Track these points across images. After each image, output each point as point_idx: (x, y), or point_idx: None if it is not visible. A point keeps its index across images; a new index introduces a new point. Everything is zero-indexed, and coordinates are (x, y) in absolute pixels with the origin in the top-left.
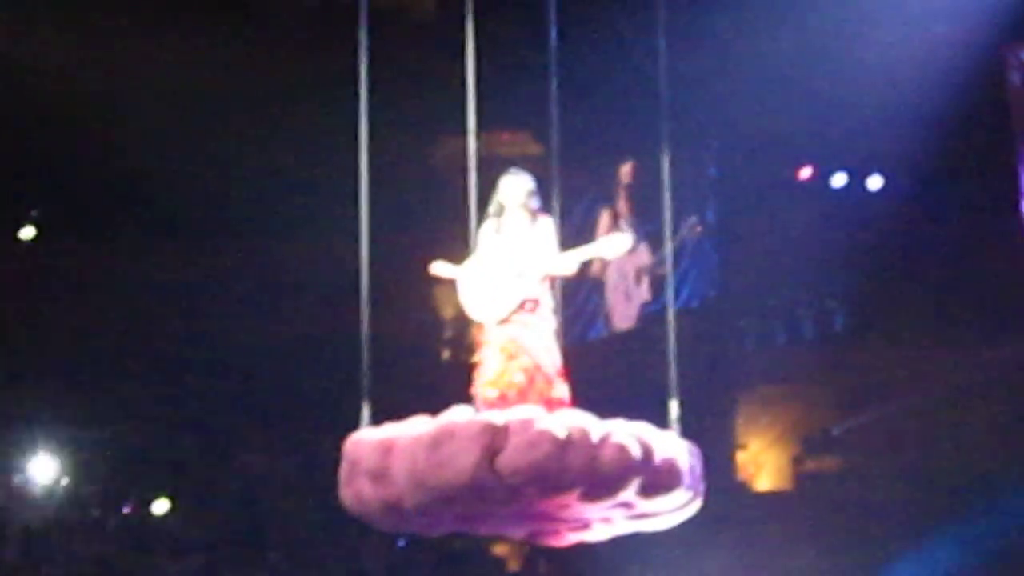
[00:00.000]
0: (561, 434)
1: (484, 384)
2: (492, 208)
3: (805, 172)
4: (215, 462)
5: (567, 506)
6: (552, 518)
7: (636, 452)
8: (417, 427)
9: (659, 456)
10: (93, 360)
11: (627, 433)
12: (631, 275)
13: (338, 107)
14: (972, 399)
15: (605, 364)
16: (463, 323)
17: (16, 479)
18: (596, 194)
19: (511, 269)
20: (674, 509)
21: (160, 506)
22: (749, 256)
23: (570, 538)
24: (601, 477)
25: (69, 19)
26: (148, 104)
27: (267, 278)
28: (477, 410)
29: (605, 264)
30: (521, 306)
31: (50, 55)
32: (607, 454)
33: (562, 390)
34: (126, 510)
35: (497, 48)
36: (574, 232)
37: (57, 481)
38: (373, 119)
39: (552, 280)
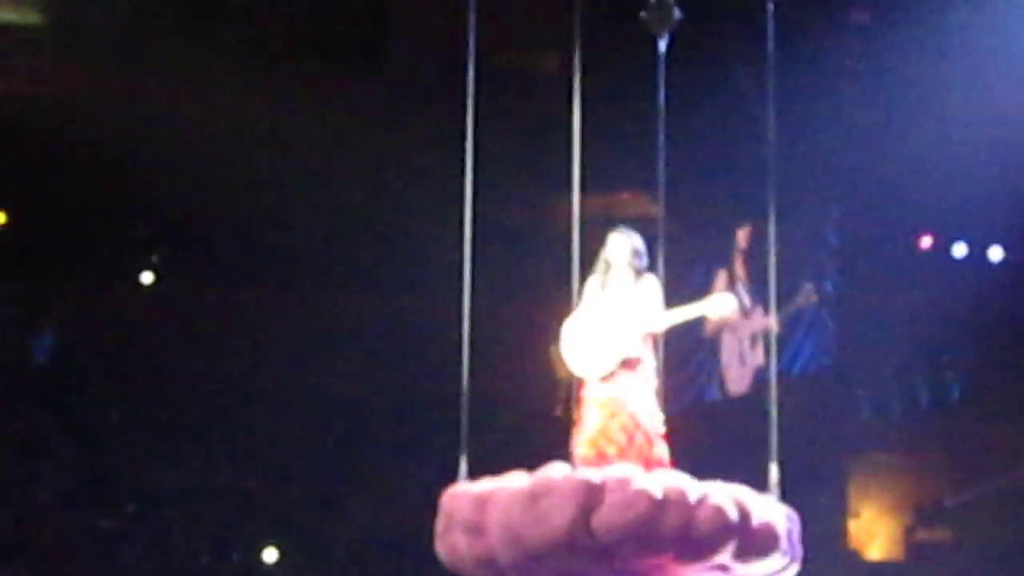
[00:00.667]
0: (658, 494)
1: (583, 442)
2: (599, 265)
3: (926, 241)
4: (323, 512)
5: (662, 567)
6: None
7: (733, 515)
8: (514, 482)
9: (756, 520)
10: (206, 407)
11: (725, 495)
12: (747, 339)
13: (456, 164)
14: None
15: (717, 428)
16: (570, 381)
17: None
18: (713, 257)
19: (613, 325)
20: (771, 574)
21: (269, 555)
22: (866, 324)
23: None
24: (697, 539)
25: (193, 65)
26: (267, 153)
27: (385, 330)
28: (574, 467)
29: (721, 328)
30: (624, 364)
31: (172, 100)
32: (703, 516)
33: (662, 450)
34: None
35: (617, 108)
36: (690, 296)
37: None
38: (486, 176)
39: (655, 340)
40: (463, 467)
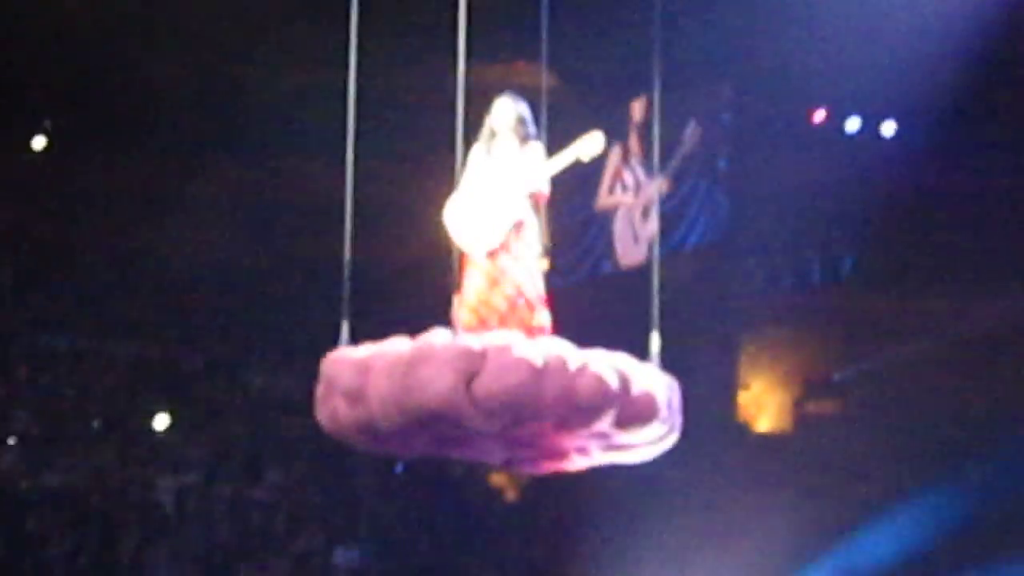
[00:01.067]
0: (538, 361)
1: (465, 309)
2: (484, 132)
3: (819, 115)
4: (217, 380)
5: (542, 434)
6: (528, 446)
7: (613, 382)
8: (394, 348)
9: (636, 388)
10: (98, 274)
11: (605, 363)
12: (638, 213)
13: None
14: (977, 350)
15: (609, 301)
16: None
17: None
18: (608, 130)
19: (499, 195)
20: (650, 442)
21: (161, 421)
22: (759, 199)
23: (546, 467)
24: (576, 406)
25: None
26: (160, 22)
27: (273, 196)
28: (456, 334)
29: (614, 203)
30: (511, 229)
31: None
32: (583, 383)
33: (544, 317)
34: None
35: None
36: (585, 170)
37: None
38: (371, 42)
39: (538, 204)
40: (344, 332)
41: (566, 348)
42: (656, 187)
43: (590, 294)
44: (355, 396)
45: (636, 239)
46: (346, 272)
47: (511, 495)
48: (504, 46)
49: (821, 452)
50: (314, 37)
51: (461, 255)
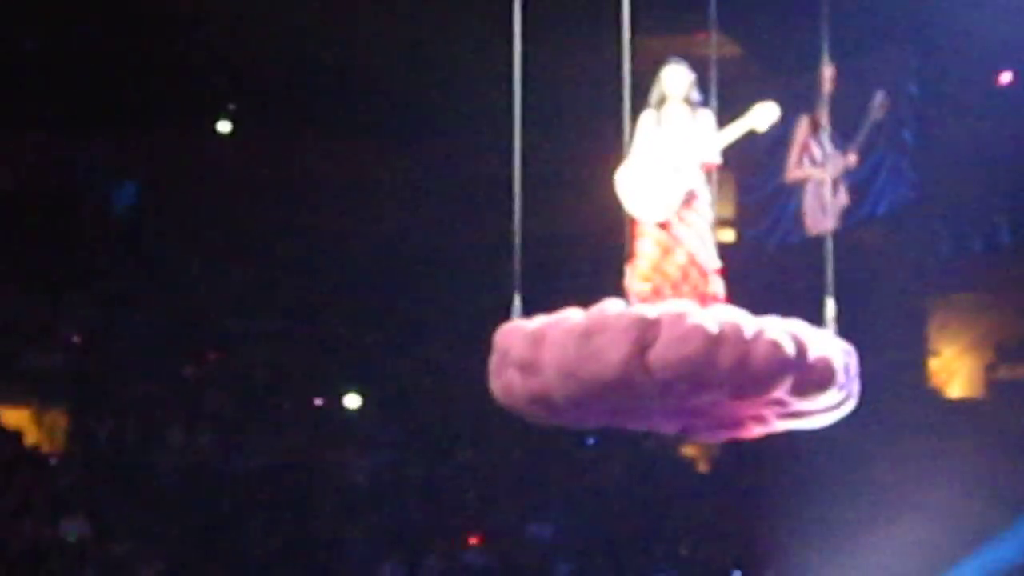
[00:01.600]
0: (713, 329)
1: (637, 277)
2: (653, 99)
3: (1005, 77)
4: (404, 359)
5: (719, 403)
6: (704, 414)
7: (789, 349)
8: (568, 319)
9: (813, 354)
10: (283, 256)
11: (781, 330)
12: (828, 182)
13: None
14: None
15: (798, 269)
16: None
17: None
18: (797, 102)
19: (671, 163)
20: (827, 408)
21: (352, 400)
22: (945, 164)
23: (723, 435)
24: (753, 373)
25: None
26: (338, 8)
27: (445, 176)
28: (630, 304)
29: (803, 176)
30: (684, 197)
31: None
32: (759, 350)
33: (717, 285)
34: (318, 402)
35: None
36: (771, 140)
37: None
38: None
39: (710, 173)
40: (516, 304)
41: (741, 315)
42: (844, 161)
43: (779, 264)
44: (529, 367)
45: (825, 211)
46: (517, 244)
47: (703, 466)
48: (679, 18)
49: (1014, 417)
50: (481, 17)
51: (632, 224)
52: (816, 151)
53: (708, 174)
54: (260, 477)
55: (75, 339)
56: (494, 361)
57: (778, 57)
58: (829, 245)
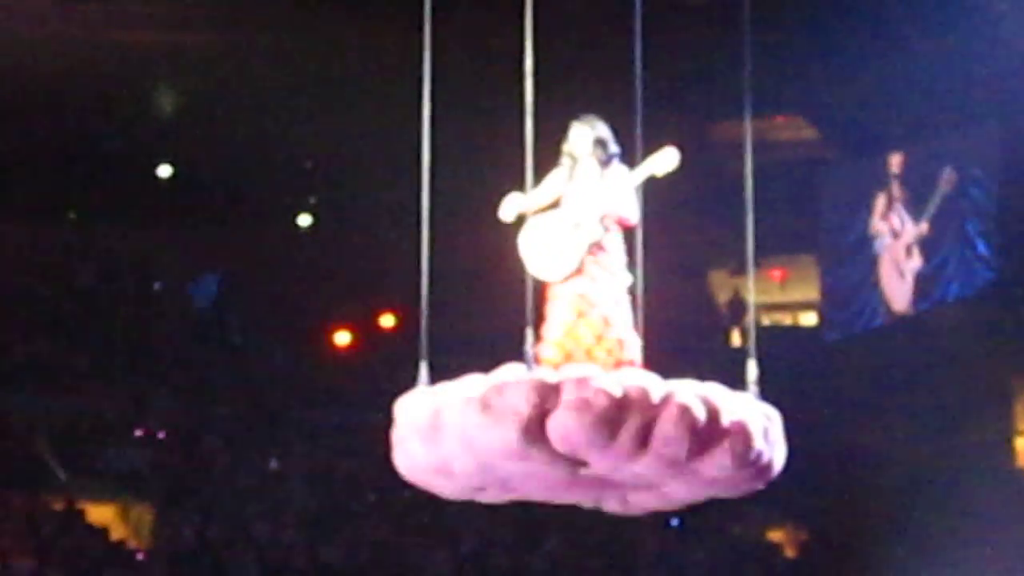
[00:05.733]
0: (617, 393)
1: (550, 343)
2: (564, 158)
3: None
4: None
5: (629, 472)
6: (616, 485)
7: (700, 414)
8: (469, 386)
9: (727, 419)
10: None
11: (692, 394)
12: (902, 253)
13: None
14: None
15: (881, 353)
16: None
17: None
18: (869, 180)
19: (571, 219)
20: (747, 476)
21: None
22: None
23: (636, 505)
24: (661, 440)
25: None
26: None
27: None
28: (530, 368)
29: (879, 256)
30: (590, 253)
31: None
32: (667, 415)
33: (634, 350)
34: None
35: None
36: (856, 234)
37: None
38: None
39: (622, 228)
40: (423, 372)
41: (650, 379)
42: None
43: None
44: (430, 437)
45: (901, 275)
46: (424, 312)
47: (790, 552)
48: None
49: None
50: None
51: (542, 287)
52: (895, 222)
53: (625, 231)
54: (345, 571)
55: (160, 435)
56: (395, 432)
57: (852, 141)
58: (751, 305)
